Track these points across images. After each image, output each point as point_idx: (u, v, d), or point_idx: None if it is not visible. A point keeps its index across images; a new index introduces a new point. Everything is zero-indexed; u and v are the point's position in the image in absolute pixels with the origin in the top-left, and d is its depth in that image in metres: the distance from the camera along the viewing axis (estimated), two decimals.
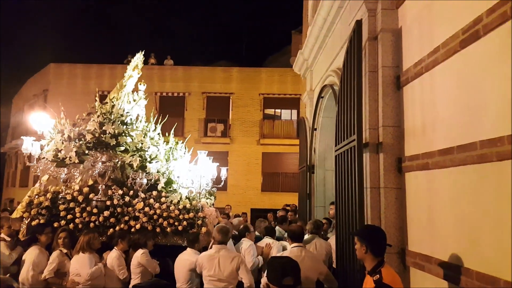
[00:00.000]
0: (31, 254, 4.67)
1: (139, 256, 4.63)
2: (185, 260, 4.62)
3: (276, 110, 20.53)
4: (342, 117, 4.70)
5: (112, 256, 4.70)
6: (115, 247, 4.81)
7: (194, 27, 48.18)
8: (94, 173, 5.43)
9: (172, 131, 6.51)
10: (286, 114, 20.36)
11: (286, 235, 5.28)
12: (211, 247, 4.62)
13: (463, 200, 2.94)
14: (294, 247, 4.30)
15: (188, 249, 4.78)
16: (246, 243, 5.24)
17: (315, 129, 7.62)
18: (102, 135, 5.58)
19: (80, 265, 4.54)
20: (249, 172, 18.92)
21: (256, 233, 5.99)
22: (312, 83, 8.31)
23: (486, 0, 2.66)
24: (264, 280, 4.15)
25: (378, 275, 2.78)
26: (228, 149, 19.12)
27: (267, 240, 5.52)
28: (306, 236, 5.33)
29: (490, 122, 2.63)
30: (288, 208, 10.01)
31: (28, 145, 5.57)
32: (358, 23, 4.34)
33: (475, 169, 2.77)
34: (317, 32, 6.98)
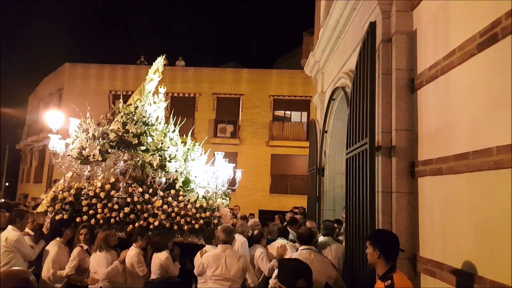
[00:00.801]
0: (50, 251, 4.78)
1: (163, 259, 4.71)
2: (204, 256, 4.67)
3: (286, 112, 20.47)
4: (354, 120, 4.66)
5: (131, 254, 4.77)
6: (133, 244, 4.89)
7: (204, 28, 48.39)
8: (116, 171, 5.58)
9: (189, 133, 6.73)
10: (296, 116, 20.30)
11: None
12: None
13: (478, 207, 2.87)
14: (303, 249, 4.27)
15: (206, 246, 4.87)
16: (258, 251, 5.21)
17: (326, 132, 7.57)
18: (125, 135, 5.74)
19: (97, 263, 4.64)
20: (257, 174, 18.88)
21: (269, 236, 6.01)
22: (323, 85, 8.25)
23: (505, 0, 2.61)
24: (272, 281, 4.14)
25: (389, 281, 2.74)
26: (237, 150, 19.12)
27: (280, 241, 5.47)
28: (321, 238, 5.28)
29: (507, 128, 2.57)
30: (296, 210, 9.97)
31: (54, 143, 5.71)
32: (372, 25, 4.29)
33: (491, 175, 2.71)
34: (329, 34, 6.93)
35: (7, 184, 30.79)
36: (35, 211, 5.63)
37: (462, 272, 2.99)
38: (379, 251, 2.84)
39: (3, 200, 12.10)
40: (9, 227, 4.83)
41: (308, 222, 6.29)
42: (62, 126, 9.82)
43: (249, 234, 5.82)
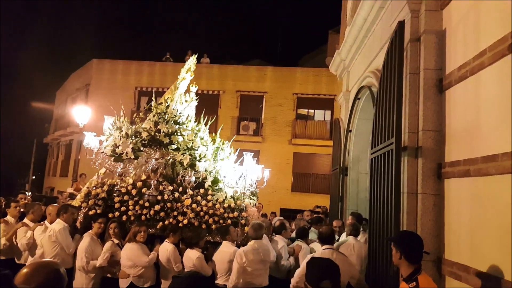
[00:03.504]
0: (83, 242, 4.94)
1: (194, 259, 4.71)
2: (223, 252, 4.81)
3: (310, 110, 20.35)
4: (380, 119, 4.62)
5: (168, 249, 4.84)
6: (166, 240, 4.98)
7: (229, 25, 48.61)
8: (147, 169, 5.69)
9: (218, 131, 6.73)
10: (319, 114, 20.15)
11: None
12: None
13: (507, 210, 2.82)
14: (325, 249, 4.28)
15: (224, 242, 4.98)
16: (280, 243, 5.32)
17: (350, 131, 7.52)
18: (156, 134, 5.82)
19: (134, 255, 4.75)
20: (279, 172, 18.80)
21: (293, 235, 6.06)
22: (349, 84, 8.20)
23: None
24: (294, 280, 4.18)
25: (414, 283, 2.73)
26: (260, 147, 19.14)
27: (297, 243, 5.56)
28: (344, 238, 5.30)
29: None
30: (319, 209, 9.94)
31: (89, 140, 5.89)
32: (401, 24, 4.25)
33: None
34: (356, 32, 6.87)
35: (33, 177, 31.63)
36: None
37: (489, 276, 2.94)
38: (401, 253, 2.83)
39: (30, 193, 12.45)
40: (58, 219, 5.05)
41: (335, 222, 6.29)
42: (88, 121, 10.03)
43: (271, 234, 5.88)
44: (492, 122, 3.08)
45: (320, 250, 4.41)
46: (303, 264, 4.32)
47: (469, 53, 3.46)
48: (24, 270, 1.91)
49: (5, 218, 5.83)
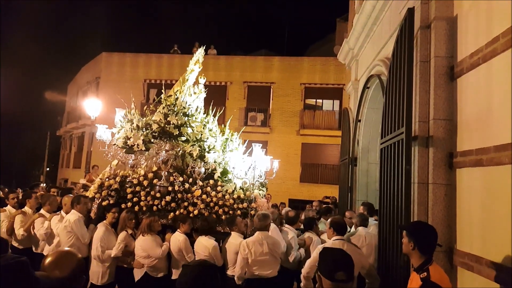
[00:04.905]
0: (98, 232, 5.03)
1: (210, 248, 4.79)
2: (231, 244, 4.87)
3: (318, 100, 20.22)
4: (389, 108, 4.56)
5: (180, 239, 4.92)
6: (178, 230, 5.07)
7: (236, 16, 48.27)
8: (158, 160, 5.78)
9: (228, 122, 6.74)
10: (327, 104, 20.01)
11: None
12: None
13: None
14: (336, 240, 4.26)
15: (232, 233, 5.04)
16: (290, 234, 5.35)
17: (359, 121, 7.44)
18: (166, 126, 5.88)
19: (148, 247, 4.83)
20: (288, 163, 18.75)
21: (302, 226, 6.07)
22: (357, 73, 8.09)
23: None
24: (305, 271, 4.17)
25: (425, 273, 2.72)
26: (268, 138, 19.12)
27: (308, 234, 5.57)
28: (353, 229, 5.29)
29: None
30: (328, 200, 9.92)
31: (102, 132, 6.00)
32: (410, 11, 4.16)
33: None
34: (364, 20, 6.76)
35: (47, 169, 32.25)
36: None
37: (502, 266, 2.90)
38: (414, 243, 2.81)
39: (44, 184, 12.66)
40: (72, 210, 5.19)
41: (347, 213, 6.26)
42: (99, 114, 10.13)
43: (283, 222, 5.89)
44: (506, 110, 3.01)
45: (330, 241, 4.39)
46: (313, 254, 4.32)
47: (481, 40, 3.38)
48: (52, 258, 1.91)
49: (22, 209, 6.04)
